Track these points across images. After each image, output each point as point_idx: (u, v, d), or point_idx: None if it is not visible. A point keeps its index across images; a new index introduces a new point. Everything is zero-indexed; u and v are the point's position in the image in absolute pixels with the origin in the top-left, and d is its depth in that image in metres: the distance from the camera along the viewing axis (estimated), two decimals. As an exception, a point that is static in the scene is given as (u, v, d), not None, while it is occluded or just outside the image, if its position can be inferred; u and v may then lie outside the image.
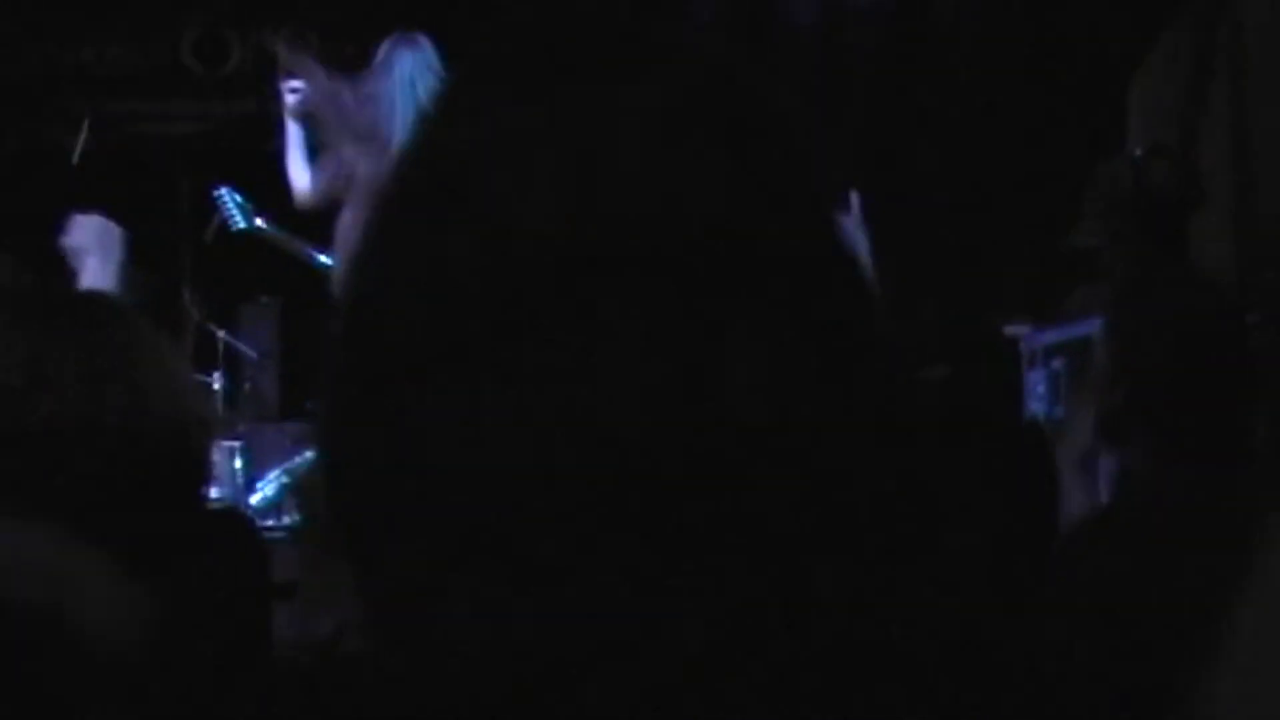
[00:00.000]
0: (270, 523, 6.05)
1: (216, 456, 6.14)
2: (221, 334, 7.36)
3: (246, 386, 7.77)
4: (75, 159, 7.19)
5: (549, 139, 0.82)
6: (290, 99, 5.75)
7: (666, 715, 0.81)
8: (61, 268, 3.85)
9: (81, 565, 1.43)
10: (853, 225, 3.53)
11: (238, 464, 6.70)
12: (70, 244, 3.85)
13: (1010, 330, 5.57)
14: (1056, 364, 5.26)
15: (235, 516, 2.71)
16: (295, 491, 6.13)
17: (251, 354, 7.72)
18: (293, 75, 5.74)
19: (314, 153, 5.77)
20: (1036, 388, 5.24)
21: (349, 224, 5.51)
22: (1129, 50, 5.62)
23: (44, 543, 1.46)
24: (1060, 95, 6.08)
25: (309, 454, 6.08)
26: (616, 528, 0.79)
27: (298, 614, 2.36)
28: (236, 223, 6.54)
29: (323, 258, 6.06)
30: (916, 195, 5.89)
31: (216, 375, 7.08)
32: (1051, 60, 6.15)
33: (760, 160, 0.84)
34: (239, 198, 6.53)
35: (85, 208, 4.07)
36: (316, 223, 5.87)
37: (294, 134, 5.79)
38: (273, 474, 6.73)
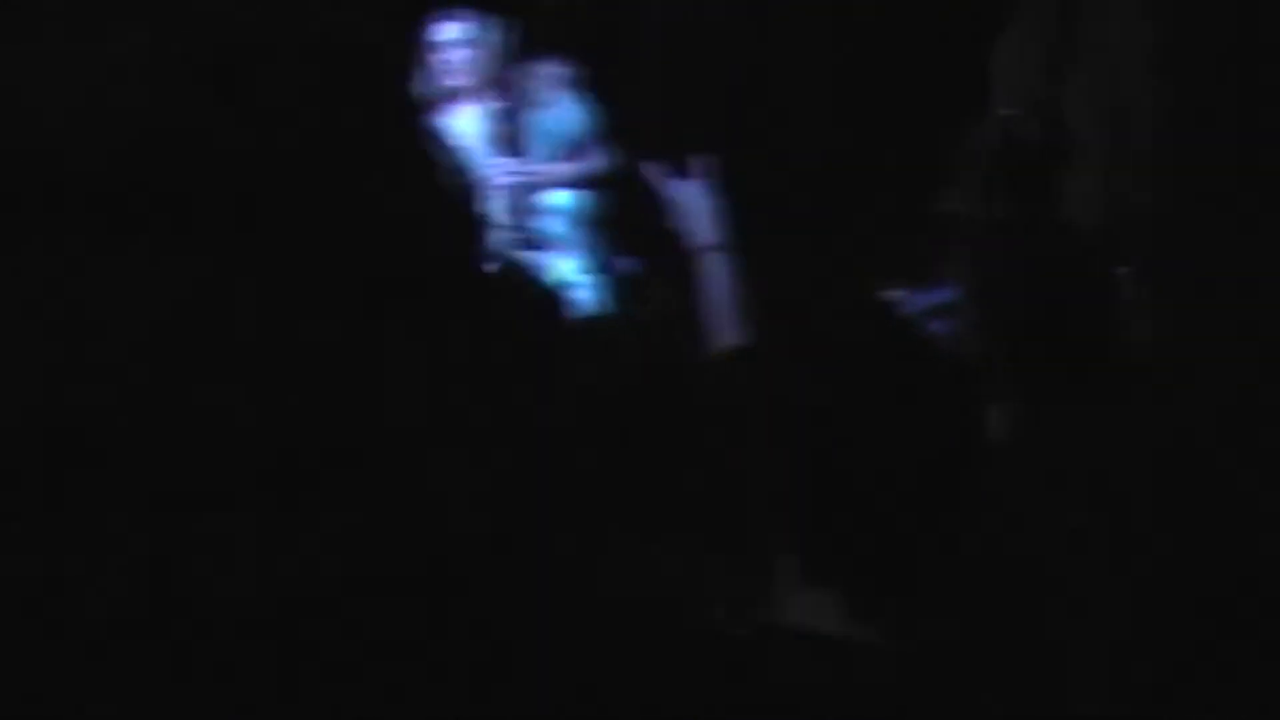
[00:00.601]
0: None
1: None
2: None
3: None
4: None
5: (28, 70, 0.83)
6: None
7: None
8: None
9: None
10: (692, 188, 3.37)
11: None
12: None
13: (887, 295, 5.57)
14: (936, 326, 5.28)
15: None
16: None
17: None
18: None
19: None
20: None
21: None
22: (991, 11, 5.63)
23: None
24: (923, 58, 6.08)
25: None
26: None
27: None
28: None
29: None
30: (784, 163, 5.88)
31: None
32: (913, 24, 6.15)
33: (254, 98, 0.81)
34: None
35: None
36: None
37: None
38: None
